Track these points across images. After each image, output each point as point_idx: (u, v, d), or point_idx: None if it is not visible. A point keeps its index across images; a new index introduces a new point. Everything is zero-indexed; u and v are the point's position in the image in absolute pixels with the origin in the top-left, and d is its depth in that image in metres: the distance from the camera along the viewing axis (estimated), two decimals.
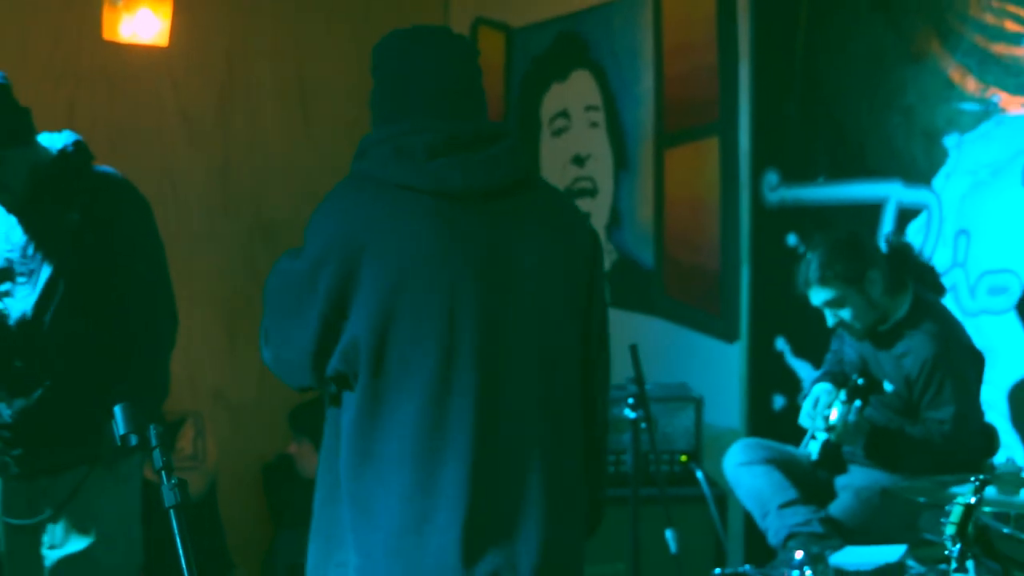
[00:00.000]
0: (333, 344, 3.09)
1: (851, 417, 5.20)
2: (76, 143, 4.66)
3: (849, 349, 5.57)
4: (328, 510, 3.30)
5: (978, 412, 5.33)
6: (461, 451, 3.07)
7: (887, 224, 5.81)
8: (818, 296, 5.35)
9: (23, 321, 4.48)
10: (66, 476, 4.55)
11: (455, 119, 3.23)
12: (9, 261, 4.51)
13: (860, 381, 5.27)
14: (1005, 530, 3.48)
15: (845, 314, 5.33)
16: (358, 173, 3.27)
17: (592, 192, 7.37)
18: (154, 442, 2.86)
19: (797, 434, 5.50)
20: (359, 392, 3.10)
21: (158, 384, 4.79)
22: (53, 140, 4.61)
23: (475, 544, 3.06)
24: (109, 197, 4.66)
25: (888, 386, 5.30)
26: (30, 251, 4.49)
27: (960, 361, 5.27)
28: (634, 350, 4.79)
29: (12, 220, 4.53)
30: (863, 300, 5.29)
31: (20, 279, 4.50)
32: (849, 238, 5.43)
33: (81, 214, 4.52)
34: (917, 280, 5.52)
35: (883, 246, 5.66)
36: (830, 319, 5.40)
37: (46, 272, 4.48)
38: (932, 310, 5.37)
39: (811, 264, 5.34)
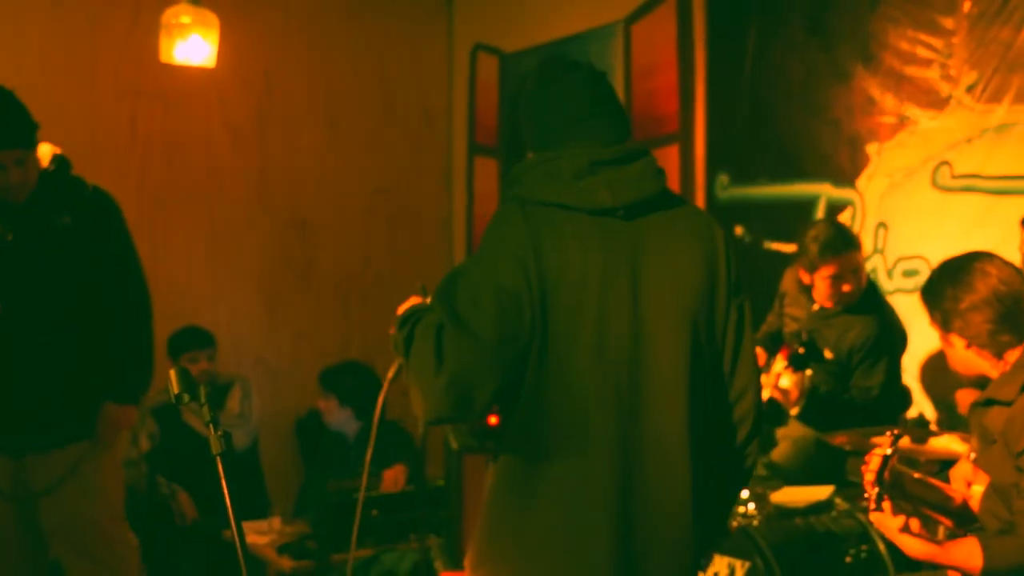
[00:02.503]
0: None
1: (798, 382, 5.21)
2: (62, 156, 4.42)
3: (792, 321, 5.57)
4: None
5: (899, 382, 5.37)
6: (609, 446, 2.93)
7: (819, 218, 5.81)
8: (842, 264, 5.15)
9: (14, 309, 4.22)
10: (56, 454, 4.35)
11: (594, 141, 3.03)
12: None
13: (802, 350, 5.27)
14: (915, 474, 3.49)
15: (853, 282, 5.19)
16: (515, 198, 3.02)
17: None
18: (203, 400, 2.86)
19: None
20: (525, 397, 2.93)
21: (149, 354, 4.59)
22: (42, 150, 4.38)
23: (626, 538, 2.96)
24: (104, 203, 4.48)
25: (828, 354, 5.31)
26: (19, 247, 4.23)
27: (892, 342, 5.30)
28: None
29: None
30: (863, 272, 5.23)
31: (8, 274, 4.22)
32: (834, 221, 5.37)
33: (74, 217, 4.32)
34: None
35: None
36: (825, 290, 5.21)
37: (38, 265, 4.27)
38: (875, 296, 5.39)
39: (820, 240, 5.13)
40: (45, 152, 4.37)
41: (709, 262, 3.10)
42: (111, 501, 4.53)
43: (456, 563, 5.60)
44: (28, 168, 4.20)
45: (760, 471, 5.21)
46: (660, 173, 3.08)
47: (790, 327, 5.55)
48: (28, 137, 4.18)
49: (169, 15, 6.33)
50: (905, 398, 5.42)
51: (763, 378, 5.29)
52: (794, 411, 5.28)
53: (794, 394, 5.22)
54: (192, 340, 6.54)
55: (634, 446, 2.96)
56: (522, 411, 2.94)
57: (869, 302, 5.31)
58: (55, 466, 4.35)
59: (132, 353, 4.52)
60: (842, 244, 5.16)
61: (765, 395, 5.30)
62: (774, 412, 5.34)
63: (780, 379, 5.22)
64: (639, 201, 3.00)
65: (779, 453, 5.37)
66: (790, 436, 5.40)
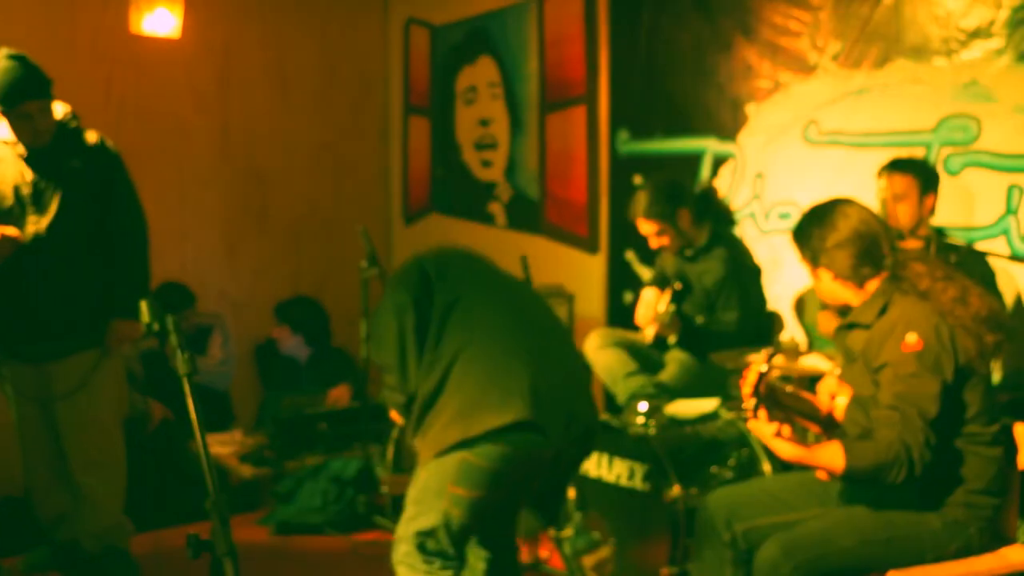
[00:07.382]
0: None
1: (670, 313, 5.23)
2: (73, 112, 4.60)
3: (668, 265, 5.59)
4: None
5: (758, 312, 5.38)
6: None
7: (705, 169, 5.82)
8: (643, 227, 5.34)
9: (37, 238, 4.38)
10: (72, 360, 4.49)
11: None
12: (24, 193, 4.40)
13: (677, 288, 5.30)
14: (787, 387, 3.51)
15: (663, 240, 5.35)
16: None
17: (494, 146, 7.32)
18: (171, 328, 2.81)
19: None
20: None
21: (147, 276, 4.74)
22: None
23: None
24: (106, 151, 4.61)
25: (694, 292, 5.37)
26: (40, 186, 4.41)
27: (743, 278, 5.30)
28: (524, 260, 4.77)
29: (24, 164, 4.43)
30: (675, 231, 5.30)
31: (32, 208, 4.39)
32: (667, 183, 5.40)
33: (83, 161, 4.49)
34: (717, 216, 5.55)
35: (700, 190, 5.68)
36: (652, 242, 5.41)
37: (57, 202, 4.40)
38: (724, 240, 5.38)
39: (639, 203, 5.32)
40: (59, 109, 4.54)
41: None
42: (114, 405, 4.65)
43: (397, 468, 5.60)
44: (48, 116, 4.41)
45: (650, 390, 5.22)
46: None
47: (668, 269, 5.57)
48: (45, 89, 4.38)
49: None
50: (774, 323, 5.44)
51: (651, 313, 5.31)
52: (672, 339, 5.30)
53: (670, 331, 5.24)
54: (180, 302, 6.59)
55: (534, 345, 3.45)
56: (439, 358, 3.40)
57: (717, 244, 5.33)
58: (72, 372, 4.48)
59: (133, 274, 4.65)
60: (641, 209, 5.31)
61: (651, 332, 5.31)
62: (659, 342, 5.36)
63: (661, 315, 5.23)
64: None
65: (667, 374, 5.38)
66: (677, 359, 5.41)
